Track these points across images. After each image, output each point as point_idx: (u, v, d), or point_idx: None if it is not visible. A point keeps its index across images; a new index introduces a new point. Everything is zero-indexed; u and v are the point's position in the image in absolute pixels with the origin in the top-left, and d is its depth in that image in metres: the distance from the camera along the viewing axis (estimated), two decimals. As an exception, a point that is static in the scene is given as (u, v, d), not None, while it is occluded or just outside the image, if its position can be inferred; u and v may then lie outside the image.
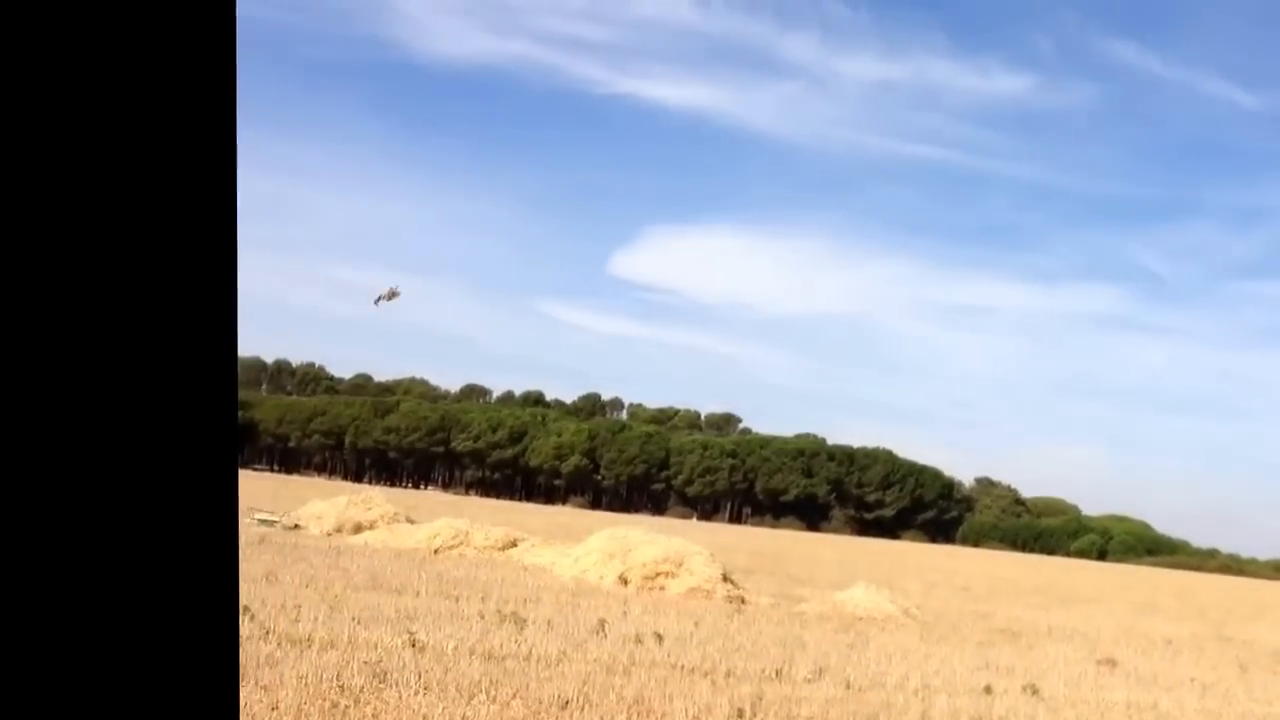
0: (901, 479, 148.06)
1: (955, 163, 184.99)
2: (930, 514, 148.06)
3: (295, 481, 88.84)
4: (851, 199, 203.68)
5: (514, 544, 27.09)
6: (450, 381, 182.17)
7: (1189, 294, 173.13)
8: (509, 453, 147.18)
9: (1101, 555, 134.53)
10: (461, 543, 26.54)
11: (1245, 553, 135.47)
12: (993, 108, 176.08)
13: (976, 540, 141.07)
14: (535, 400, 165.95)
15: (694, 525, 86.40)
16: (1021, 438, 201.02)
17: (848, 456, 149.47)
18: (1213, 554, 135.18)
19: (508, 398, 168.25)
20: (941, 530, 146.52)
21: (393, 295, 19.50)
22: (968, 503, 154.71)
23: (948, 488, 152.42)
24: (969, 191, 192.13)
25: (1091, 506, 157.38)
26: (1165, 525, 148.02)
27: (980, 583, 43.54)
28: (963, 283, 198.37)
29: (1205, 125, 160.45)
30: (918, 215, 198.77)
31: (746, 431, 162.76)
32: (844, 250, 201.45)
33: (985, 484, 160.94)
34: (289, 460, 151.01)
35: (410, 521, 29.73)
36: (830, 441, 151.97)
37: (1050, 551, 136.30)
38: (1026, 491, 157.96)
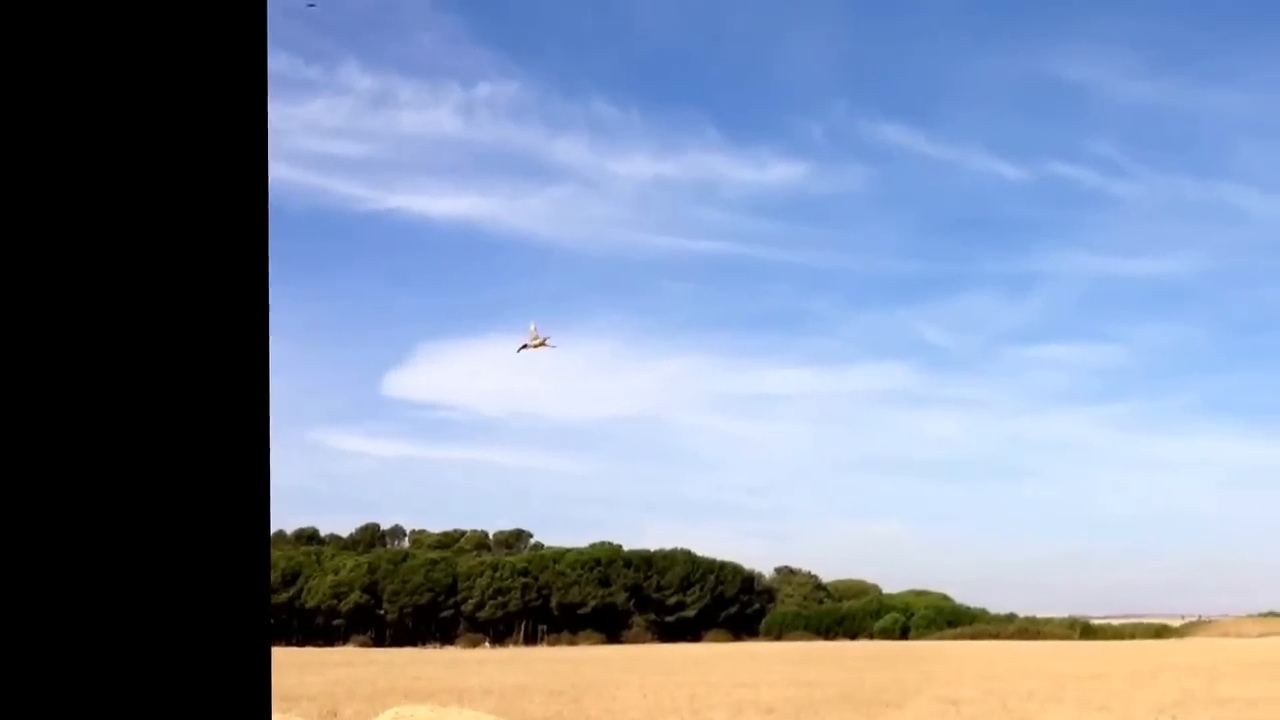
0: (701, 578, 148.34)
1: (736, 254, 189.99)
2: (732, 610, 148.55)
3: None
4: (635, 298, 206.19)
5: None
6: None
7: (971, 363, 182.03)
8: (283, 597, 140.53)
9: (904, 633, 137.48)
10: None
11: (1041, 612, 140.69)
12: (769, 197, 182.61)
13: (779, 632, 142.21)
14: (309, 537, 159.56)
15: (486, 655, 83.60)
16: (820, 521, 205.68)
17: (645, 560, 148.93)
18: (1010, 618, 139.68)
19: (279, 538, 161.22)
20: (745, 625, 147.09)
21: (540, 344, 17.18)
22: (769, 594, 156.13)
23: (748, 581, 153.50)
24: (752, 281, 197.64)
25: (893, 583, 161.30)
26: (964, 595, 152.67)
27: (781, 697, 42.91)
28: (753, 372, 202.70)
29: (974, 199, 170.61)
30: (703, 308, 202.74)
31: (538, 546, 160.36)
32: (630, 350, 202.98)
33: (785, 573, 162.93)
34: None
35: None
36: (627, 547, 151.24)
37: (853, 635, 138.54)
38: (828, 575, 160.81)
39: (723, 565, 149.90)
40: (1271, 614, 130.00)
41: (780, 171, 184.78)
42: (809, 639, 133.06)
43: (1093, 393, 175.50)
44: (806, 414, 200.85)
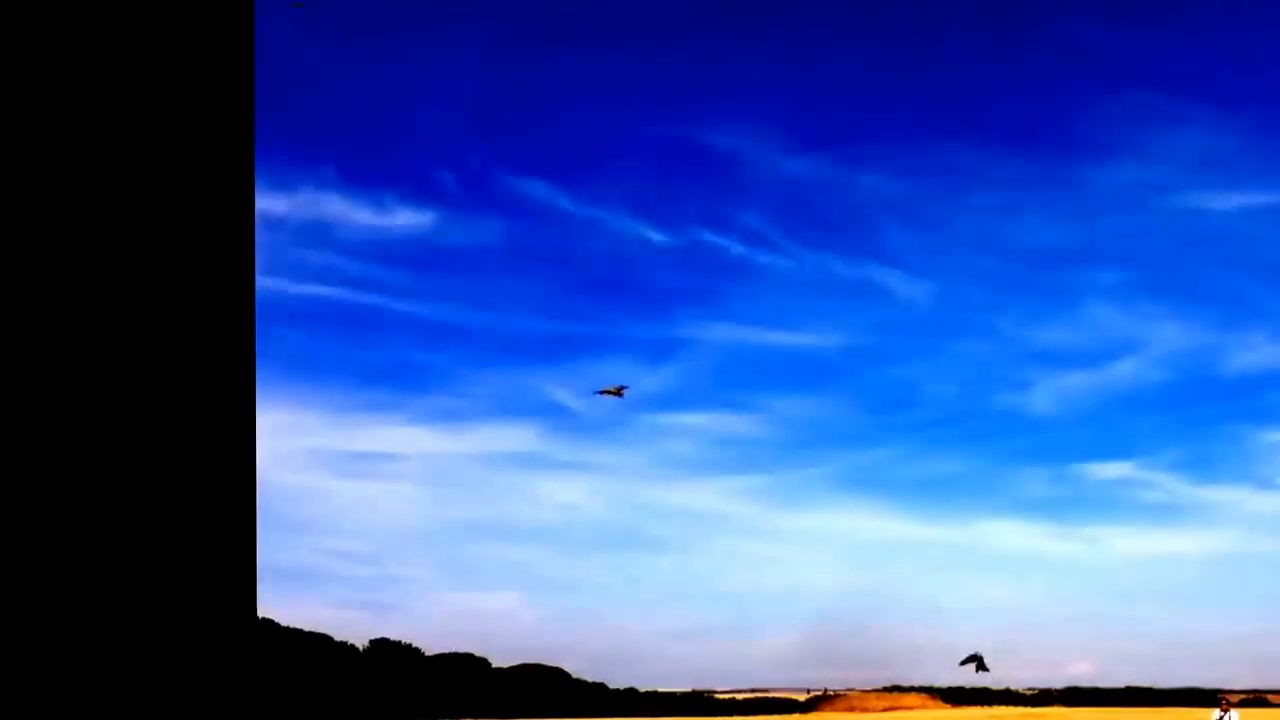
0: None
1: (353, 302, 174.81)
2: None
3: None
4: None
5: None
6: None
7: (603, 428, 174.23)
8: None
9: (512, 712, 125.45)
10: None
11: (664, 686, 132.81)
12: (392, 244, 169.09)
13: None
14: None
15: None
16: (431, 591, 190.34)
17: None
18: (631, 692, 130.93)
19: None
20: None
21: (618, 391, 22.84)
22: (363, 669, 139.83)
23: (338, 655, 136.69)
24: (369, 332, 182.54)
25: (505, 656, 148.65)
26: (581, 668, 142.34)
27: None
28: (364, 429, 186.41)
29: (616, 261, 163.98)
30: (312, 359, 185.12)
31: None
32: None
33: (381, 646, 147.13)
34: None
35: None
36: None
37: (456, 715, 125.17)
38: (433, 649, 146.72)
39: (308, 637, 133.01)
40: (896, 688, 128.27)
41: (406, 218, 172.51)
42: None
43: (727, 462, 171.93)
44: (420, 475, 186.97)
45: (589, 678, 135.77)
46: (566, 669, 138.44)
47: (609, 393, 22.63)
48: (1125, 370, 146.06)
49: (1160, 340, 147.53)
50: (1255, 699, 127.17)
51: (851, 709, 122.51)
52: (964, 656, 23.36)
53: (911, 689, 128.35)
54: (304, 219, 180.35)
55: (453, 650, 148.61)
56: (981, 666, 23.72)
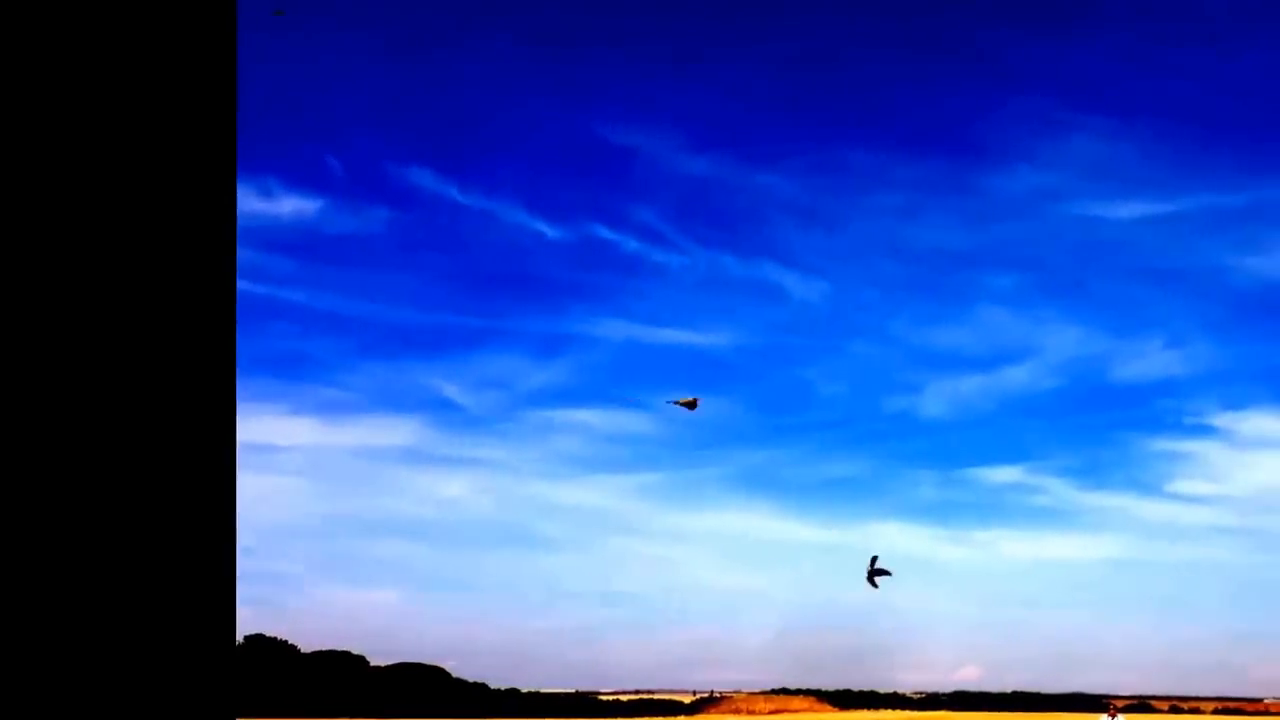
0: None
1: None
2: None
3: None
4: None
5: None
6: None
7: (490, 423, 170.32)
8: None
9: (390, 711, 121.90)
10: None
11: (548, 687, 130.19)
12: (277, 232, 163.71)
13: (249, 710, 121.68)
14: None
15: None
16: (308, 587, 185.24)
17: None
18: (513, 693, 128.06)
19: None
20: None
21: (693, 403, 21.71)
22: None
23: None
24: (251, 321, 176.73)
25: (384, 655, 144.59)
26: (463, 669, 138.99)
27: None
28: (244, 419, 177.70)
29: (508, 255, 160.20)
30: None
31: None
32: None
33: (255, 642, 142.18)
34: None
35: None
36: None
37: (332, 714, 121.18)
38: (310, 646, 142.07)
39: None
40: (784, 690, 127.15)
41: (292, 205, 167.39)
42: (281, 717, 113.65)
43: (619, 460, 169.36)
44: (301, 468, 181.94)
45: (470, 678, 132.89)
46: (447, 668, 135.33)
47: (682, 404, 21.96)
48: (1018, 375, 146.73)
49: (1053, 346, 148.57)
50: (1141, 704, 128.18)
51: (737, 711, 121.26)
52: (870, 569, 23.11)
53: (799, 691, 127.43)
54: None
55: (330, 648, 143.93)
56: (880, 572, 23.33)
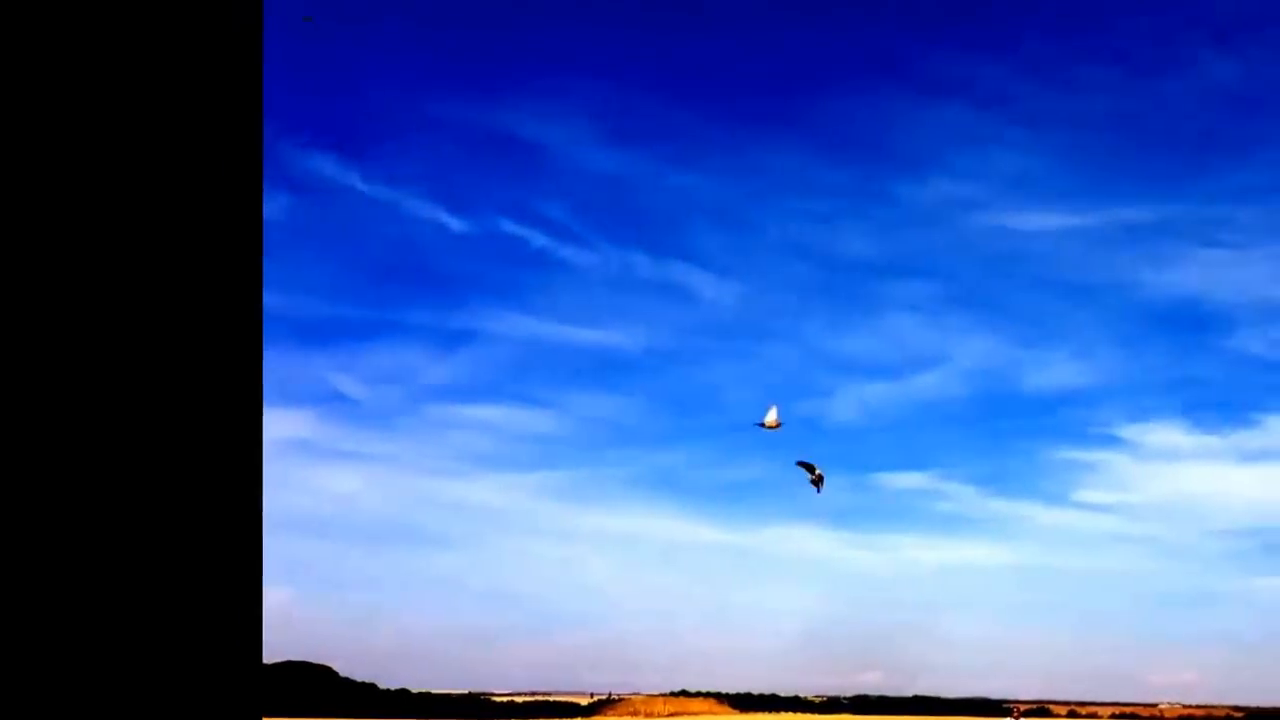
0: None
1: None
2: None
3: None
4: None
5: None
6: None
7: (386, 418, 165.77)
8: None
9: (276, 710, 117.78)
10: None
11: (439, 688, 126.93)
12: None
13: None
14: None
15: None
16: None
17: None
18: (403, 693, 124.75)
19: None
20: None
21: (776, 424, 21.90)
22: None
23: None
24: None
25: (270, 653, 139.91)
26: (353, 669, 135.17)
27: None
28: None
29: (409, 246, 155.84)
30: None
31: None
32: None
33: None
34: None
35: None
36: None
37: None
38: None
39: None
40: (684, 693, 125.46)
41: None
42: None
43: (519, 459, 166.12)
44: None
45: (359, 677, 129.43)
46: (335, 668, 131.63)
47: (767, 426, 21.36)
48: (927, 383, 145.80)
49: (963, 355, 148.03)
50: (1041, 710, 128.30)
51: (635, 713, 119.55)
52: (812, 477, 22.83)
53: (699, 694, 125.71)
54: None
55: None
56: (815, 478, 23.05)
